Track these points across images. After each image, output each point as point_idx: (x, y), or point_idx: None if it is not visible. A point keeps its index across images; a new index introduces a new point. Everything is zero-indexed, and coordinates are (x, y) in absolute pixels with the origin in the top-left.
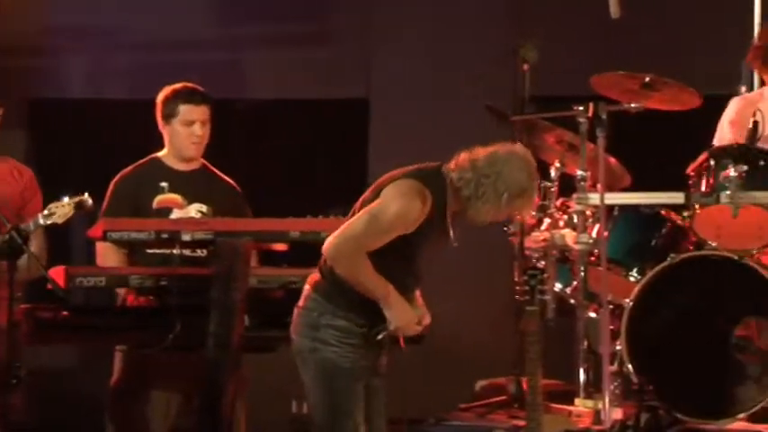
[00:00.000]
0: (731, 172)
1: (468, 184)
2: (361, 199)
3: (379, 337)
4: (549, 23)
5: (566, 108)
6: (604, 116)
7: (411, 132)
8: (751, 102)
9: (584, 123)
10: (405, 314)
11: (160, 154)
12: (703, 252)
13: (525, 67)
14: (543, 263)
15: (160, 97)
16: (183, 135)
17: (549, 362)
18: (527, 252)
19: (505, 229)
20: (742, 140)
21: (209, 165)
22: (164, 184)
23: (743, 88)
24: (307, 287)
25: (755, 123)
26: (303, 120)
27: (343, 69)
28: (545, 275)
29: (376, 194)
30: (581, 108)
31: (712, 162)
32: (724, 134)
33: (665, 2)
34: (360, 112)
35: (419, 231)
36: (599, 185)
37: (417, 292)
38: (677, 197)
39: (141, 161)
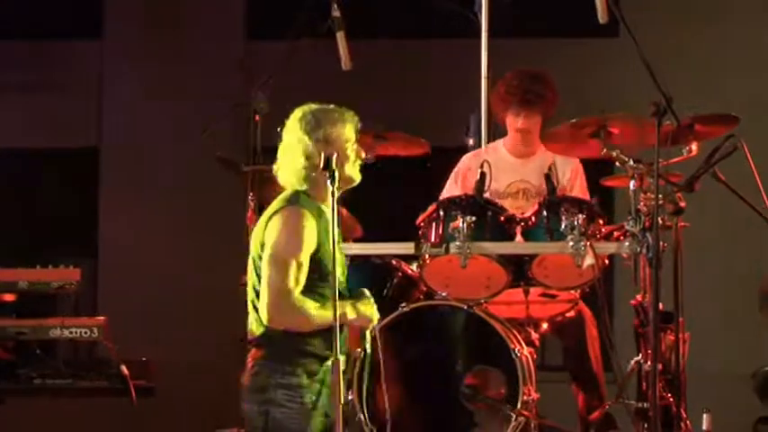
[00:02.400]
0: (460, 223)
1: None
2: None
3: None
4: (281, 74)
5: None
6: (336, 167)
7: (142, 181)
8: (479, 155)
9: None
10: (366, 314)
11: None
12: (434, 302)
13: (257, 117)
14: None
15: None
16: None
17: None
18: None
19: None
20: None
21: None
22: None
23: (470, 141)
24: (249, 360)
25: (483, 174)
26: (33, 169)
27: (74, 118)
28: None
29: (258, 245)
30: None
31: (441, 213)
32: (450, 189)
33: (396, 55)
34: (90, 161)
35: (322, 242)
36: None
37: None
38: (408, 247)
39: None
